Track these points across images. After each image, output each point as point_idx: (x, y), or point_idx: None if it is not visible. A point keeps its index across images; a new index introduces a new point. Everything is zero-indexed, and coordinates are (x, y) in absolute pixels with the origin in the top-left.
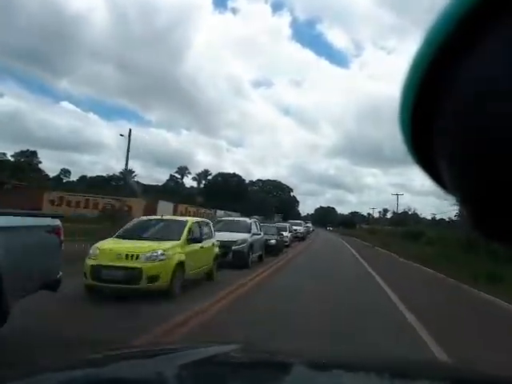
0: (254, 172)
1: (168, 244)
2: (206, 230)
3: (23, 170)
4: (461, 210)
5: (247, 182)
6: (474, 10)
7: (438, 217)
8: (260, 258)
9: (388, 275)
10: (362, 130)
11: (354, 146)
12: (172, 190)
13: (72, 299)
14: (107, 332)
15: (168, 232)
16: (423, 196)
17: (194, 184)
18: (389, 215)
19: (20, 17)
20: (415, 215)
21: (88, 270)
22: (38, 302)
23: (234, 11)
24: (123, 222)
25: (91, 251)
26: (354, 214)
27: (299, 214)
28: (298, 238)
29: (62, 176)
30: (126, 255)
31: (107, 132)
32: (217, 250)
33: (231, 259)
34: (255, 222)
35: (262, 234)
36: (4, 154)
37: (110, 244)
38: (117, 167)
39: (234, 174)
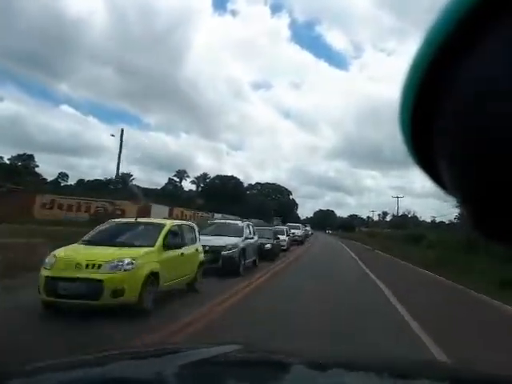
0: (253, 175)
1: (139, 251)
2: (188, 234)
3: (19, 173)
4: (461, 212)
5: (246, 185)
6: (474, 10)
7: (437, 219)
8: (254, 263)
9: (396, 285)
10: (362, 132)
11: (354, 148)
12: (170, 194)
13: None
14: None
15: (141, 237)
16: (423, 199)
17: (193, 187)
18: (388, 218)
19: (19, 20)
20: (415, 218)
21: (42, 283)
22: None
23: (233, 13)
24: None
25: (47, 260)
26: (354, 216)
27: (298, 217)
28: (297, 241)
29: (59, 180)
30: (87, 265)
31: (106, 135)
32: (202, 256)
33: (221, 266)
34: (248, 224)
35: (256, 237)
36: (0, 158)
37: (69, 251)
38: (115, 171)
39: (232, 176)
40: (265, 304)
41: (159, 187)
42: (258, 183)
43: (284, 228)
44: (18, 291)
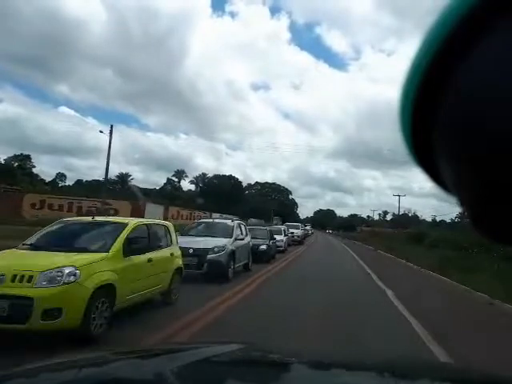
0: (253, 175)
1: (87, 257)
2: (160, 235)
3: (15, 173)
4: (462, 211)
5: (246, 185)
6: (474, 11)
7: (438, 218)
8: (246, 267)
9: (414, 300)
10: (362, 133)
11: (354, 148)
12: (169, 194)
13: None
14: None
15: (96, 240)
16: (422, 198)
17: (192, 187)
18: (388, 217)
19: (18, 22)
20: (415, 217)
21: None
22: None
23: (232, 15)
24: None
25: None
26: (354, 216)
27: (298, 216)
28: (296, 241)
29: (57, 180)
30: (14, 276)
31: (106, 136)
32: (179, 261)
33: (206, 271)
34: (239, 224)
35: (248, 238)
36: None
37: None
38: (115, 171)
39: (231, 176)
40: (249, 325)
41: (158, 187)
42: (257, 183)
43: (281, 227)
44: None
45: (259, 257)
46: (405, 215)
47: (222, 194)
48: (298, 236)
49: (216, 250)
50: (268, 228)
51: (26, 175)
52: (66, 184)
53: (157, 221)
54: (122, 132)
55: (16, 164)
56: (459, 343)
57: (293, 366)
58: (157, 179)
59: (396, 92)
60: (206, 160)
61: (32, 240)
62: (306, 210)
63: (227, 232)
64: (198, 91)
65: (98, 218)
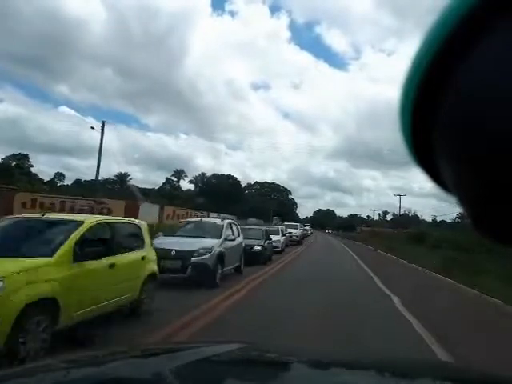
0: (253, 175)
1: (19, 264)
2: (128, 236)
3: (12, 173)
4: (463, 212)
5: (245, 184)
6: (474, 11)
7: (438, 219)
8: (238, 270)
9: (420, 306)
10: (362, 133)
11: (354, 148)
12: (168, 194)
13: None
14: None
15: (38, 242)
16: (422, 198)
17: (191, 187)
18: (388, 217)
19: (18, 21)
20: (415, 217)
21: None
22: None
23: (232, 14)
24: None
25: None
26: (353, 216)
27: (298, 216)
28: (294, 242)
29: (56, 180)
30: None
31: (106, 136)
32: (153, 266)
33: (190, 275)
34: (230, 223)
35: (240, 238)
36: None
37: None
38: (115, 171)
39: (229, 175)
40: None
41: (157, 187)
42: (256, 182)
43: (278, 227)
44: None
45: (254, 258)
46: (405, 215)
47: (220, 193)
48: (297, 236)
49: (202, 251)
50: (264, 228)
51: (24, 174)
52: (65, 184)
53: (125, 219)
54: (121, 132)
55: (14, 163)
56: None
57: (292, 366)
58: (156, 179)
59: (396, 92)
60: (205, 160)
61: None
62: (305, 210)
63: (216, 232)
64: (198, 91)
65: (50, 215)
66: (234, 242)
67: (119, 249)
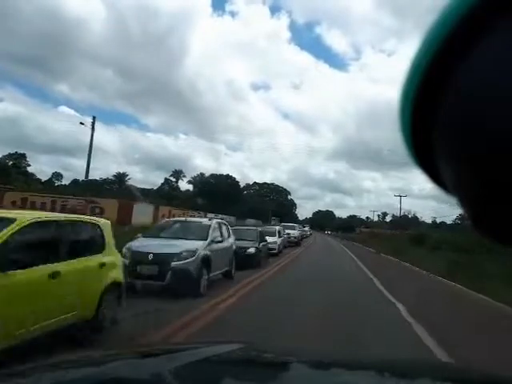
0: (252, 176)
1: None
2: (83, 238)
3: (9, 172)
4: (463, 213)
5: (244, 185)
6: (474, 11)
7: (438, 220)
8: (227, 274)
9: (429, 315)
10: (362, 133)
11: (353, 149)
12: (166, 194)
13: None
14: None
15: None
16: (422, 199)
17: (190, 187)
18: (388, 219)
19: (17, 21)
20: (415, 218)
21: None
22: None
23: (233, 14)
24: None
25: None
26: (353, 217)
27: (297, 217)
28: (292, 243)
29: (54, 180)
30: None
31: (106, 137)
32: (118, 274)
33: (169, 283)
34: (219, 223)
35: (231, 240)
36: None
37: None
38: (113, 171)
39: (228, 175)
40: None
41: (156, 187)
42: (255, 183)
43: (275, 228)
44: None
45: (247, 262)
46: (404, 216)
47: (218, 193)
48: (295, 237)
49: (184, 255)
50: (258, 229)
51: (21, 174)
52: (63, 183)
53: (81, 217)
54: (121, 132)
55: (11, 163)
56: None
57: (292, 366)
58: (155, 179)
59: (396, 92)
60: (205, 160)
61: None
62: (305, 211)
63: (202, 233)
64: (198, 91)
65: None
66: (224, 244)
67: (67, 254)
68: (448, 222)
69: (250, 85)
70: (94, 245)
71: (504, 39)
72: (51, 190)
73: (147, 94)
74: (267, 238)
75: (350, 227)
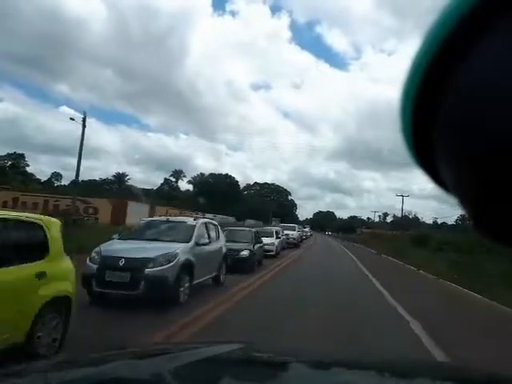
0: (253, 176)
1: None
2: (12, 242)
3: (6, 172)
4: (464, 213)
5: (244, 185)
6: (474, 11)
7: (439, 221)
8: (216, 280)
9: (447, 332)
10: (362, 133)
11: (354, 149)
12: (166, 194)
13: None
14: None
15: None
16: (423, 200)
17: (190, 187)
18: (388, 219)
19: (17, 21)
20: (416, 219)
21: None
22: None
23: (233, 14)
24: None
25: None
26: (354, 218)
27: (297, 218)
28: (291, 244)
29: (53, 180)
30: None
31: (107, 137)
32: (62, 286)
33: (143, 292)
34: (206, 223)
35: (221, 242)
36: None
37: None
38: (113, 171)
39: (227, 174)
40: None
41: (156, 187)
42: (256, 183)
43: (273, 229)
44: None
45: (240, 266)
46: (405, 217)
47: (218, 193)
48: (294, 238)
49: (160, 260)
50: (253, 229)
51: (19, 174)
52: (62, 184)
53: (13, 214)
54: (123, 132)
55: (9, 163)
56: None
57: (292, 366)
58: (156, 179)
59: (396, 92)
60: (206, 161)
61: None
62: (305, 212)
63: (185, 235)
64: (199, 91)
65: None
66: (211, 247)
67: None
68: (449, 223)
69: (251, 85)
70: (33, 250)
71: (504, 39)
72: (50, 190)
73: (147, 94)
74: (264, 239)
75: (350, 228)
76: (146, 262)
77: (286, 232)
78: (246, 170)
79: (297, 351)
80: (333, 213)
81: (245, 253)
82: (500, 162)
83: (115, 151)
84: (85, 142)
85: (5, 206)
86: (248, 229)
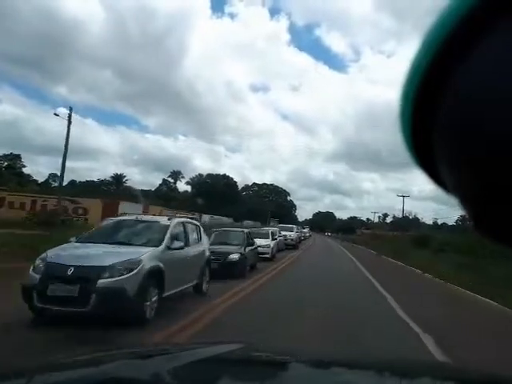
0: (252, 177)
1: None
2: None
3: (1, 173)
4: (464, 214)
5: (243, 185)
6: (473, 11)
7: (439, 221)
8: (198, 289)
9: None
10: (361, 135)
11: (353, 150)
12: (164, 195)
13: None
14: None
15: None
16: (422, 201)
17: (188, 188)
18: (388, 220)
19: (16, 22)
20: (416, 220)
21: None
22: None
23: (232, 16)
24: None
25: None
26: (353, 218)
27: (297, 218)
28: (290, 246)
29: (50, 181)
30: None
31: (105, 138)
32: None
33: (94, 308)
34: (183, 223)
35: (204, 245)
36: None
37: None
38: (112, 172)
39: (224, 175)
40: None
41: (154, 188)
42: (255, 184)
43: (269, 230)
44: None
45: (229, 271)
46: (405, 218)
47: (215, 194)
48: (292, 239)
49: (118, 268)
50: (245, 230)
51: (16, 175)
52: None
53: None
54: (123, 133)
55: (5, 164)
56: None
57: (291, 366)
58: (154, 180)
59: (395, 93)
60: (204, 162)
61: None
62: (304, 213)
63: (155, 237)
64: (198, 92)
65: None
66: (189, 251)
67: None
68: (450, 224)
69: (249, 86)
70: None
71: (504, 40)
72: (48, 191)
73: (146, 95)
74: (259, 240)
75: (350, 229)
76: (98, 270)
77: (283, 233)
78: (245, 171)
79: (296, 351)
80: (332, 213)
81: (234, 256)
82: (499, 164)
83: (114, 152)
84: (84, 142)
85: None
86: (239, 230)
